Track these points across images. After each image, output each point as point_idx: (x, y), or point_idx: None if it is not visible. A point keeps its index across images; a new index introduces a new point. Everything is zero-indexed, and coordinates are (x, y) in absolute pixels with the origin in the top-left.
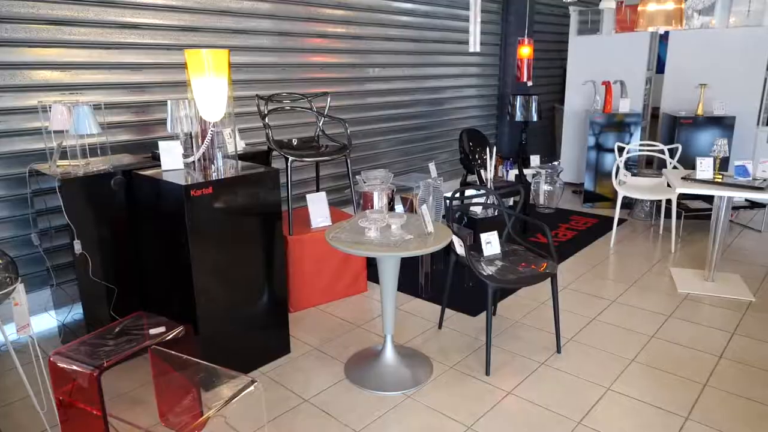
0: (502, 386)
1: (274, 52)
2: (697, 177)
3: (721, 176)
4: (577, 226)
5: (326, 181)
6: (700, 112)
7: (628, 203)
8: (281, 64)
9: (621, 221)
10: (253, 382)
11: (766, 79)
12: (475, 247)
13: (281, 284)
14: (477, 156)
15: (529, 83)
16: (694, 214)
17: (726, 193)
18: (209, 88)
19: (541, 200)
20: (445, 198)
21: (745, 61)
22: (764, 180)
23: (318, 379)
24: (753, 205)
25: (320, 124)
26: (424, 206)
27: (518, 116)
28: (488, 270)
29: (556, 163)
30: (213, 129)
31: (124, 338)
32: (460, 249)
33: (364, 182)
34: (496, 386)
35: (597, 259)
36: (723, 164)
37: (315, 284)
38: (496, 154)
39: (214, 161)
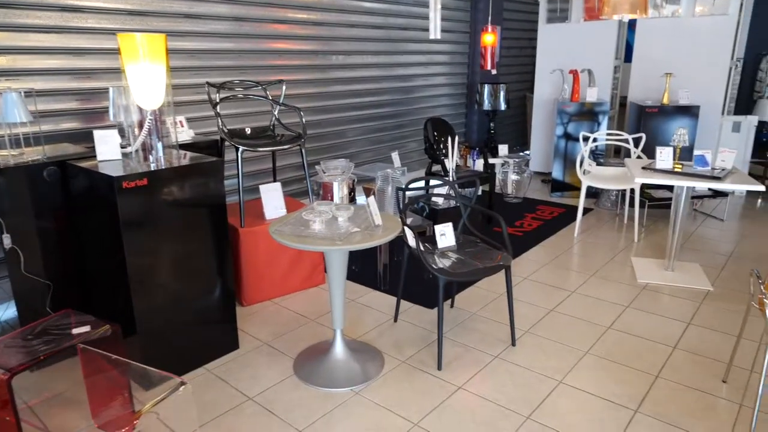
0: (454, 381)
1: (230, 38)
2: (657, 167)
3: (680, 166)
4: (543, 215)
5: (287, 171)
6: (665, 101)
7: (595, 192)
8: (238, 51)
9: (587, 211)
10: (182, 384)
11: (730, 68)
12: (431, 238)
13: (228, 278)
14: (442, 145)
15: (493, 71)
16: (658, 203)
17: (683, 182)
18: (145, 75)
19: (509, 189)
20: (398, 189)
21: (710, 51)
22: (723, 170)
23: (265, 375)
24: (716, 194)
25: (275, 113)
26: (371, 198)
27: (486, 105)
28: (441, 263)
29: (523, 153)
30: (151, 118)
31: (44, 338)
32: (411, 241)
33: (324, 172)
34: (448, 381)
35: (560, 249)
36: (686, 154)
37: (269, 277)
38: (462, 144)
39: (153, 151)
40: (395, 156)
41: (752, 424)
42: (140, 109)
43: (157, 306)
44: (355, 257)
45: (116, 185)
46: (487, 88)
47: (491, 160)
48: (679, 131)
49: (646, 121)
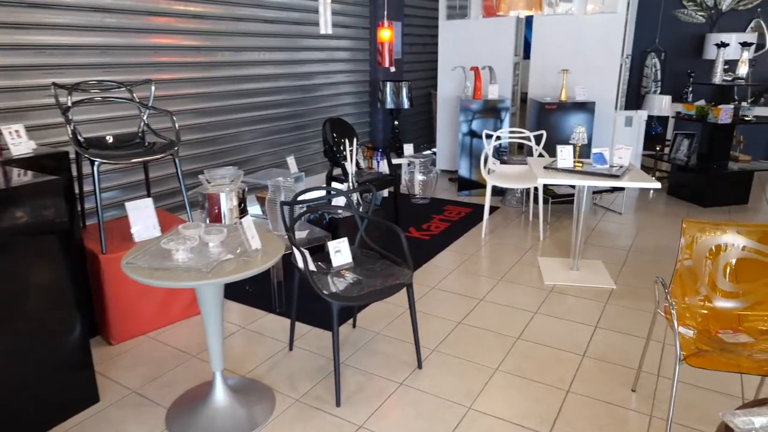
0: (353, 419)
1: (92, 32)
2: (558, 166)
3: (581, 164)
4: (451, 216)
5: (168, 182)
6: (563, 98)
7: (501, 190)
8: (103, 47)
9: (493, 209)
10: None
11: (621, 65)
12: (326, 255)
13: (83, 316)
14: (342, 147)
15: (392, 69)
16: (561, 200)
17: (584, 182)
18: None
19: (416, 190)
20: (282, 204)
21: (602, 47)
22: (620, 167)
23: None
24: (614, 188)
25: (144, 118)
26: (246, 218)
27: (389, 103)
28: (334, 285)
29: (430, 151)
30: None
31: None
32: (300, 263)
33: (208, 182)
34: (346, 419)
35: (468, 252)
36: (585, 150)
37: (142, 308)
38: (365, 144)
39: None
40: (291, 161)
41: None
42: None
43: None
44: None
45: None
46: (389, 86)
47: (396, 161)
48: (578, 129)
49: (546, 118)
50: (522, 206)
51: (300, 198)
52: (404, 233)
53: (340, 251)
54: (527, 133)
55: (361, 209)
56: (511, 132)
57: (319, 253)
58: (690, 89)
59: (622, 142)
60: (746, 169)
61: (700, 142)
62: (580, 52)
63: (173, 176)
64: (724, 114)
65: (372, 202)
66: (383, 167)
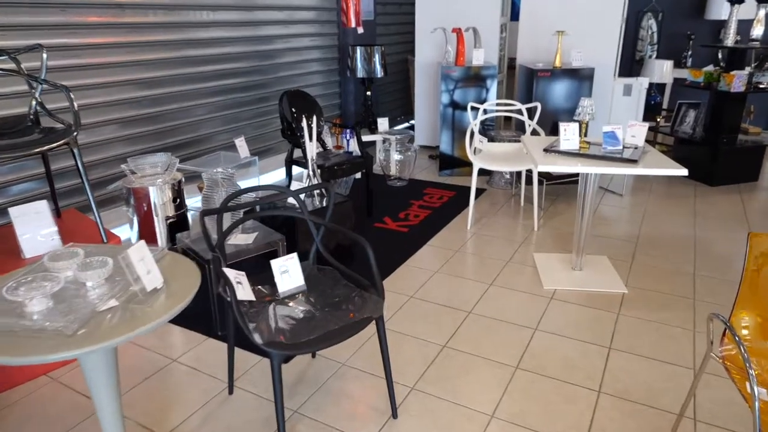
0: None
1: None
2: (561, 148)
3: (587, 145)
4: (432, 201)
5: (77, 176)
6: (557, 63)
7: (488, 170)
8: None
9: (480, 192)
10: None
11: (621, 25)
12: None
13: None
14: (303, 124)
15: (360, 30)
16: (558, 182)
17: (596, 169)
18: None
19: (392, 171)
20: (203, 213)
21: (600, 6)
22: (635, 148)
23: None
24: None
25: (37, 95)
26: (136, 248)
27: (359, 71)
28: (276, 323)
29: (408, 123)
30: None
31: None
32: (239, 292)
33: (132, 173)
34: None
35: (452, 247)
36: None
37: None
38: (332, 120)
39: None
40: (240, 143)
41: None
42: None
43: None
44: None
45: None
46: (359, 52)
47: (369, 138)
48: (584, 102)
49: (538, 87)
50: (512, 188)
51: (244, 198)
52: (379, 224)
53: (288, 271)
54: (518, 105)
55: (324, 204)
56: (500, 104)
57: (258, 276)
58: (689, 53)
59: (620, 113)
60: (761, 143)
61: (708, 112)
62: (575, 11)
63: (92, 164)
64: (737, 81)
65: (330, 204)
66: (354, 146)
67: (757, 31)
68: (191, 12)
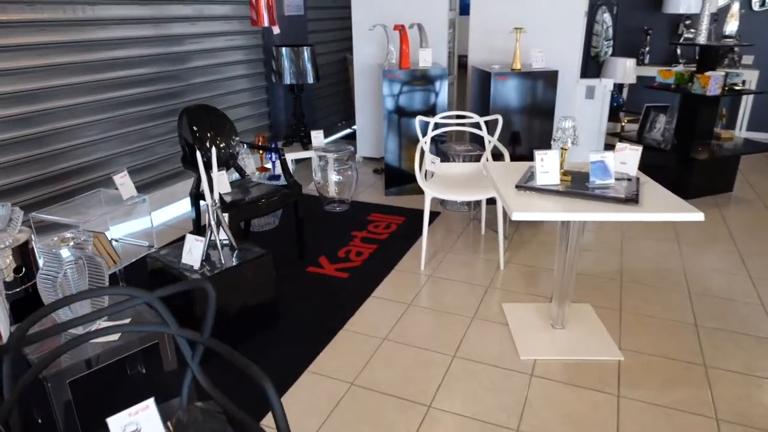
0: None
1: None
2: (538, 183)
3: (568, 177)
4: (377, 231)
5: None
6: (517, 66)
7: None
8: None
9: (433, 214)
10: None
11: (584, 20)
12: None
13: None
14: (198, 156)
15: (275, 29)
16: None
17: (591, 216)
18: None
19: (332, 192)
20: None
21: None
22: (628, 179)
23: None
24: None
25: None
26: None
27: (287, 77)
28: None
29: (348, 130)
30: None
31: None
32: None
33: None
34: None
35: (403, 299)
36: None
37: None
38: (254, 140)
39: None
40: (122, 180)
41: None
42: None
43: None
44: (135, 357)
45: None
46: (286, 53)
47: (301, 155)
48: (565, 123)
49: (497, 93)
50: (469, 209)
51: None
52: (313, 268)
53: (146, 419)
54: (476, 118)
55: (236, 260)
56: (450, 116)
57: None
58: (647, 49)
59: (583, 120)
60: (736, 152)
61: (680, 117)
62: (532, 4)
63: None
64: (713, 84)
65: (210, 312)
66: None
67: (731, 27)
68: (78, 7)
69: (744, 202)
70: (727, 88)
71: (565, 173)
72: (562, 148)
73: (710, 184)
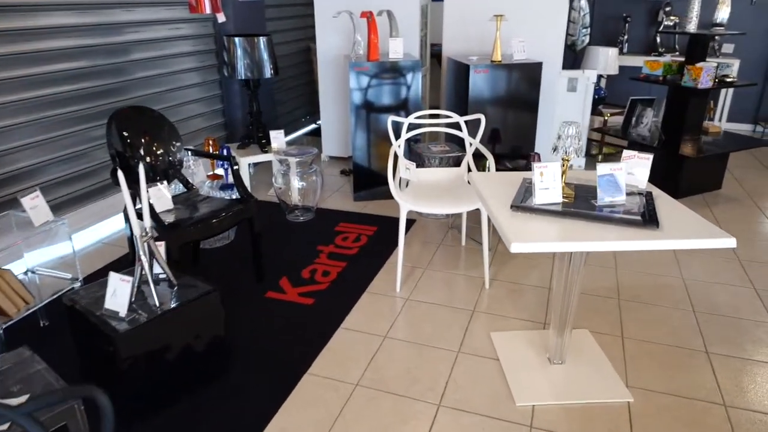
0: None
1: None
2: (538, 202)
3: (572, 193)
4: (346, 245)
5: None
6: (497, 57)
7: None
8: None
9: (409, 222)
10: None
11: (568, 7)
12: None
13: None
14: (120, 174)
15: (220, 17)
16: None
17: (604, 245)
18: None
19: (295, 199)
20: None
21: None
22: (639, 193)
23: None
24: None
25: None
26: None
27: (240, 71)
28: None
29: (313, 126)
30: None
31: None
32: None
33: None
34: None
35: (377, 331)
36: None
37: None
38: (204, 145)
39: None
40: (34, 202)
41: None
42: None
43: None
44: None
45: None
46: (239, 44)
47: (258, 159)
48: (568, 131)
49: (475, 87)
50: (449, 218)
51: None
52: (273, 293)
53: None
54: (456, 117)
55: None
56: (432, 116)
57: None
58: (626, 37)
59: (566, 114)
60: (726, 149)
61: (667, 111)
62: None
63: None
64: (705, 76)
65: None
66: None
67: (722, 14)
68: None
69: (734, 201)
70: (717, 80)
71: (567, 188)
72: (564, 159)
73: (700, 183)
